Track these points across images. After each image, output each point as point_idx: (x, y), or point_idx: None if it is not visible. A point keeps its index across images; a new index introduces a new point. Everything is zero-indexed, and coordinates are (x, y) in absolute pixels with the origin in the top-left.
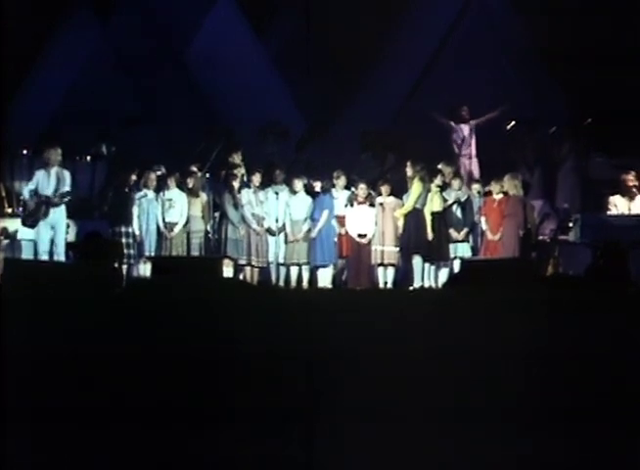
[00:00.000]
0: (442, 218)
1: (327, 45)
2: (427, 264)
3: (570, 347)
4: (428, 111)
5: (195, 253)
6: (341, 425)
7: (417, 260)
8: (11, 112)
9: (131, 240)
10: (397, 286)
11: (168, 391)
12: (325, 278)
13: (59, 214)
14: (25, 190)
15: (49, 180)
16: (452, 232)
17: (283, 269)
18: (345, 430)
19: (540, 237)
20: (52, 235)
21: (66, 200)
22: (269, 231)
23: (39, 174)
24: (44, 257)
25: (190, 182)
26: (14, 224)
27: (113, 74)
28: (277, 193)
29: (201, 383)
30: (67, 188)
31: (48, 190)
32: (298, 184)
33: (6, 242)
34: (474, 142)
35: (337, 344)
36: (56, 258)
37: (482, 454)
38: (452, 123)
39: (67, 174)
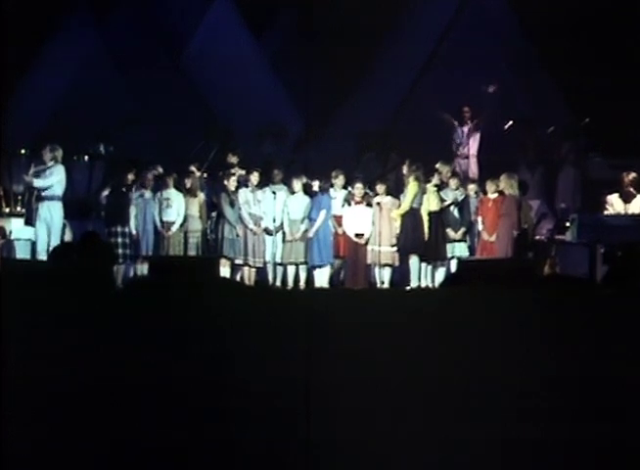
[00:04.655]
0: (439, 218)
1: (325, 45)
2: (424, 264)
3: (569, 347)
4: (433, 109)
5: (192, 252)
6: (338, 427)
7: (414, 260)
8: (9, 111)
9: (128, 240)
10: (394, 286)
11: (167, 390)
12: (322, 278)
13: (55, 215)
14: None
15: (44, 177)
16: (449, 232)
17: (280, 269)
18: (342, 432)
19: (537, 237)
20: (48, 235)
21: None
22: (267, 231)
23: (37, 171)
24: (42, 256)
25: (188, 182)
26: (12, 224)
27: (111, 74)
28: (274, 192)
29: (198, 382)
30: (51, 180)
31: (38, 181)
32: (297, 184)
33: (2, 241)
34: (472, 142)
35: (335, 343)
36: None
37: (482, 455)
38: (455, 123)
39: (56, 168)
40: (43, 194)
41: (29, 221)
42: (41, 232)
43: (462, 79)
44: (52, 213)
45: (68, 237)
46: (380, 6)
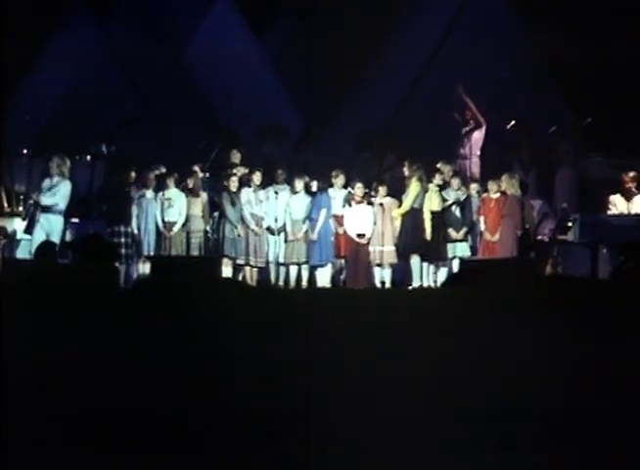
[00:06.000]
0: (441, 218)
1: (325, 45)
2: (425, 264)
3: (570, 347)
4: (443, 108)
5: (194, 252)
6: (338, 426)
7: (415, 260)
8: (10, 111)
9: (130, 239)
10: (396, 286)
11: (167, 389)
12: (323, 278)
13: (56, 226)
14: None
15: (51, 194)
16: (451, 232)
17: (282, 269)
18: (342, 432)
19: (539, 237)
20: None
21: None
22: (269, 230)
23: (44, 183)
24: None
25: (190, 182)
26: (13, 224)
27: (112, 74)
28: (277, 192)
29: (199, 381)
30: (57, 198)
31: (45, 198)
32: (299, 184)
33: (4, 241)
34: (474, 142)
35: (336, 343)
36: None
37: (483, 453)
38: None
39: (63, 185)
40: (46, 207)
41: (29, 231)
42: (39, 236)
43: (462, 79)
44: (52, 225)
45: (67, 237)
46: (380, 6)
